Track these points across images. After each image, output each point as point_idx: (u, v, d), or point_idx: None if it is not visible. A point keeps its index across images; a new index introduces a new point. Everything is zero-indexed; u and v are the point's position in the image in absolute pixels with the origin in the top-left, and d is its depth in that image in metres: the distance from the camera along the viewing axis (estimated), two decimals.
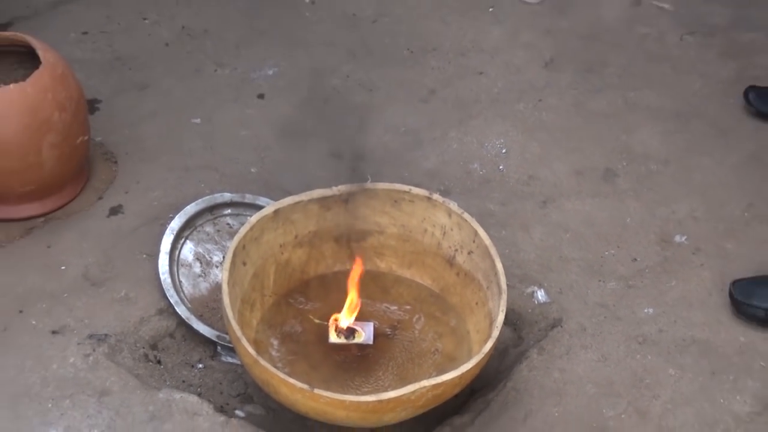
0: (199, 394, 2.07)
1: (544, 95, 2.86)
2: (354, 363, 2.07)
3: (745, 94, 2.78)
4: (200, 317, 2.20)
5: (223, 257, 2.14)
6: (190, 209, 2.36)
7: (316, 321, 2.13)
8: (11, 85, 2.23)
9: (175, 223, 2.33)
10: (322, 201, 2.16)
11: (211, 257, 2.33)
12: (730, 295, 2.24)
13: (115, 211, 2.43)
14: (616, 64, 2.97)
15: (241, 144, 2.65)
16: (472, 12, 3.16)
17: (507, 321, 2.07)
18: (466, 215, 2.13)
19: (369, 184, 2.18)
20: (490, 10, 3.17)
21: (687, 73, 2.94)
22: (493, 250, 2.06)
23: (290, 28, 3.06)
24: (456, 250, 2.16)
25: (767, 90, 2.78)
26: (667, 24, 3.12)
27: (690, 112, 2.80)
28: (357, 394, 1.93)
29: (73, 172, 2.43)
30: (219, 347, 2.18)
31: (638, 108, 2.81)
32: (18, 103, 2.24)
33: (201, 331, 2.18)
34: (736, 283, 2.25)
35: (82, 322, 2.16)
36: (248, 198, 2.42)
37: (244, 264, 2.06)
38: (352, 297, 2.07)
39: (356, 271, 2.09)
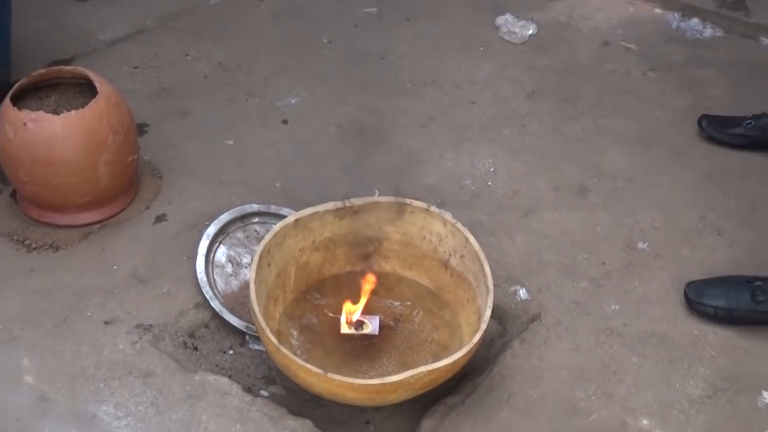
0: (230, 377, 2.06)
1: (526, 122, 2.84)
2: (362, 351, 2.06)
3: (699, 121, 2.76)
4: (231, 310, 2.19)
5: (251, 259, 2.13)
6: (224, 218, 2.36)
7: (330, 314, 2.12)
8: (72, 112, 2.24)
9: (211, 230, 2.32)
10: (336, 212, 2.15)
11: (241, 259, 2.32)
12: (685, 294, 2.23)
13: (159, 219, 2.43)
14: (589, 95, 2.95)
15: (268, 162, 2.65)
16: (466, 51, 3.15)
17: (493, 315, 2.06)
18: (458, 224, 2.11)
19: (376, 197, 2.18)
20: (481, 49, 3.17)
21: (649, 104, 2.92)
22: (481, 255, 2.05)
23: (310, 64, 3.06)
24: (450, 254, 2.15)
25: (718, 118, 2.76)
26: (633, 61, 3.11)
27: (651, 137, 2.78)
28: (364, 378, 1.92)
29: (124, 185, 2.43)
30: (247, 336, 2.17)
31: (607, 133, 2.80)
32: (78, 127, 2.24)
33: (232, 323, 2.17)
34: (690, 284, 2.23)
35: (130, 314, 2.15)
36: (273, 208, 2.42)
37: (269, 265, 2.06)
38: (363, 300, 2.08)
39: (369, 282, 2.09)
